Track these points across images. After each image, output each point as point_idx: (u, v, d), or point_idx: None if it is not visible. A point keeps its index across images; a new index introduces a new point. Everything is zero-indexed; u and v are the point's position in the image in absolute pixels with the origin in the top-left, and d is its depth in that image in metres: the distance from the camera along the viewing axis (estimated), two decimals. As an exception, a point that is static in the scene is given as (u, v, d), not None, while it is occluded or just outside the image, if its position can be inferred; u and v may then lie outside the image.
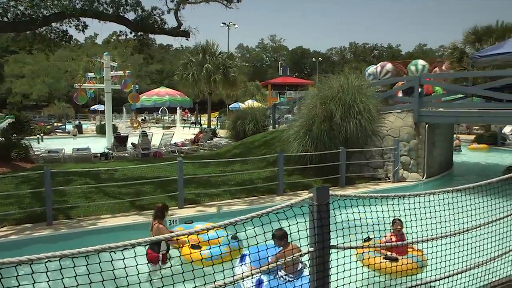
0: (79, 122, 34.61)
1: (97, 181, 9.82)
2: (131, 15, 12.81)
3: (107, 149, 16.04)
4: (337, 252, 2.95)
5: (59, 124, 33.39)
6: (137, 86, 23.79)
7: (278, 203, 6.01)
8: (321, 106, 11.44)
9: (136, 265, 2.36)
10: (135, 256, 2.33)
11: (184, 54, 32.38)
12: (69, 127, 31.24)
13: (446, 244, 5.23)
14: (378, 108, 11.86)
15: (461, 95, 14.08)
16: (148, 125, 35.01)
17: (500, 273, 3.96)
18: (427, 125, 11.85)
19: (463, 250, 3.94)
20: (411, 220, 3.57)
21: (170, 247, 5.96)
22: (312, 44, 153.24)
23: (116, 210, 8.17)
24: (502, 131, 23.45)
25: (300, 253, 3.05)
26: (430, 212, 4.18)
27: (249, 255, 4.73)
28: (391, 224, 5.58)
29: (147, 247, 5.51)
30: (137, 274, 2.40)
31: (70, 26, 12.65)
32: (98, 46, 55.11)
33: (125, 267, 2.29)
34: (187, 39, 14.11)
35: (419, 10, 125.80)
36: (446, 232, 3.90)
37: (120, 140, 16.38)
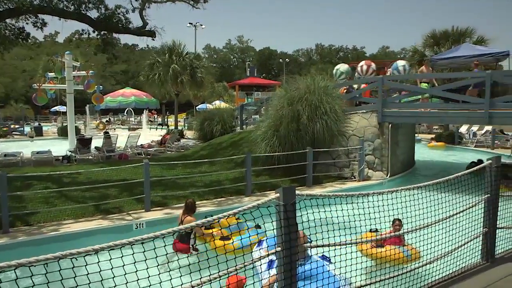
0: (39, 124, 33.17)
1: (59, 185, 9.44)
2: (94, 13, 12.45)
3: (70, 151, 15.49)
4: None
5: (17, 126, 31.87)
6: (101, 86, 23.14)
7: (246, 203, 6.00)
8: (288, 107, 11.57)
9: (111, 268, 2.29)
10: (110, 259, 2.27)
11: (150, 54, 31.84)
12: (27, 129, 29.91)
13: (408, 240, 5.42)
14: (343, 108, 12.12)
15: (421, 96, 14.62)
16: (113, 127, 34.12)
17: (457, 265, 4.14)
18: (390, 125, 12.23)
19: (422, 245, 4.10)
20: (375, 218, 3.67)
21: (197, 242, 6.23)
22: (279, 45, 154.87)
23: (80, 214, 7.90)
24: (459, 130, 24.67)
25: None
26: (393, 210, 4.32)
27: (266, 239, 4.89)
28: (391, 222, 5.75)
29: (174, 237, 5.80)
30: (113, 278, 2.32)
31: (27, 23, 12.09)
32: (59, 45, 53.16)
33: (100, 270, 2.23)
34: (153, 39, 13.86)
35: (382, 13, 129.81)
36: (407, 228, 4.04)
37: (84, 142, 15.85)
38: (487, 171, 4.46)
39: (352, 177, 12.00)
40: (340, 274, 3.63)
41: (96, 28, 12.83)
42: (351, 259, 3.34)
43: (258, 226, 5.93)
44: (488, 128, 22.39)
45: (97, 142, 16.72)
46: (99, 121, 26.06)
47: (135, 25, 13.32)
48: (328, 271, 3.77)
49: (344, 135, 12.21)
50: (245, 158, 10.07)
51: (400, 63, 15.85)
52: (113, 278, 2.26)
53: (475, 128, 24.65)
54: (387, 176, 12.17)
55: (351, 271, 3.33)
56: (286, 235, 2.84)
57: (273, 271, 4.14)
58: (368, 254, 5.66)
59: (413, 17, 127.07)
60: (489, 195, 4.40)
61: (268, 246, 4.72)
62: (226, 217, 2.63)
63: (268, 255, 3.09)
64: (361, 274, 3.51)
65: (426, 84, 13.00)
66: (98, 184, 9.29)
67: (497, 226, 4.55)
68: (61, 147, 17.19)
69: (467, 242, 4.41)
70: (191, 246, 5.95)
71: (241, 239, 5.30)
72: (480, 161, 16.26)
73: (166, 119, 39.32)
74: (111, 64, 64.16)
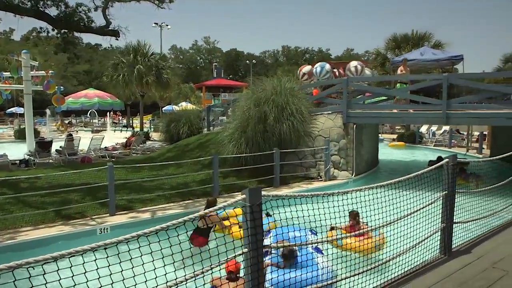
0: (-6, 126, 31.58)
1: (16, 191, 9.00)
2: (53, 11, 11.99)
3: (28, 155, 14.80)
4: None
5: (-31, 129, 30.20)
6: (62, 87, 22.24)
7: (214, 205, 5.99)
8: (255, 108, 11.61)
9: (71, 276, 2.21)
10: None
11: (114, 54, 30.95)
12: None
13: (370, 238, 5.55)
14: (309, 109, 12.31)
15: (385, 97, 15.11)
16: (75, 129, 32.99)
17: (419, 259, 4.30)
18: (355, 126, 12.53)
19: (386, 242, 4.22)
20: (340, 217, 3.74)
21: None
22: (246, 46, 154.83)
23: (39, 221, 7.56)
24: (420, 130, 25.70)
25: None
26: (358, 208, 4.43)
27: (276, 229, 6.03)
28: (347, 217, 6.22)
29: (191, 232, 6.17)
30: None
31: None
32: (15, 43, 50.59)
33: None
34: (117, 39, 13.53)
35: (347, 17, 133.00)
36: (372, 226, 4.15)
37: (44, 146, 15.21)
38: (444, 169, 4.66)
39: (319, 177, 12.20)
40: (332, 266, 3.80)
41: (56, 26, 12.36)
42: (312, 259, 3.39)
43: (268, 214, 6.16)
44: (446, 128, 23.45)
45: (58, 145, 16.10)
46: (59, 122, 25.02)
47: (98, 24, 12.95)
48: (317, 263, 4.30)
49: (310, 135, 12.39)
50: (212, 159, 10.01)
51: (353, 63, 16.32)
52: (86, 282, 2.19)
53: (434, 128, 25.75)
54: (352, 175, 12.45)
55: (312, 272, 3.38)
56: (252, 236, 2.84)
57: (267, 257, 4.76)
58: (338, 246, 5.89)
59: (376, 20, 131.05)
60: (446, 191, 4.60)
61: (276, 235, 5.53)
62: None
63: (270, 246, 3.25)
64: (323, 274, 3.58)
65: (405, 85, 13.28)
66: (59, 188, 8.95)
67: (454, 221, 4.76)
68: (18, 151, 16.39)
69: (428, 237, 4.59)
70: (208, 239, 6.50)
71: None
72: (439, 158, 17.27)
73: (131, 121, 38.44)
74: (73, 64, 62.14)
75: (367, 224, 6.11)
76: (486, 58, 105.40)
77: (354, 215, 6.41)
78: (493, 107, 11.82)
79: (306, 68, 16.31)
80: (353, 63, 15.55)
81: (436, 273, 4.04)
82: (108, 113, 35.52)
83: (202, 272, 2.77)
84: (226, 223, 7.02)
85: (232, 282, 4.42)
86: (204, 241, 6.41)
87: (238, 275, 4.50)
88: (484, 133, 20.73)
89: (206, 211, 2.96)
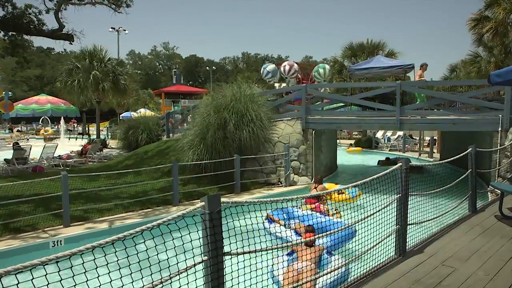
0: None
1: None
2: (-1, 12, 11.37)
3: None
4: (230, 258, 2.99)
5: None
6: (10, 93, 21.05)
7: (174, 213, 5.85)
8: (215, 114, 11.58)
9: None
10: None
11: (69, 59, 29.77)
12: None
13: (331, 241, 5.67)
14: (269, 116, 12.43)
15: (342, 104, 15.57)
16: (26, 137, 31.33)
17: (376, 261, 4.45)
18: (313, 132, 12.79)
19: (345, 245, 4.33)
20: (299, 222, 3.80)
21: None
22: (206, 53, 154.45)
23: (-16, 235, 7.10)
24: (376, 136, 26.69)
25: None
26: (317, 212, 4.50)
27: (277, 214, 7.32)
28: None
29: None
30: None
31: None
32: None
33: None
34: (71, 43, 13.04)
35: (306, 25, 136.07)
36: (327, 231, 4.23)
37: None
38: (398, 172, 4.86)
39: (279, 183, 12.32)
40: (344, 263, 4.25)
41: (3, 28, 11.71)
42: (277, 263, 3.41)
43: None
44: (400, 133, 24.51)
45: (6, 154, 15.21)
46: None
47: (50, 27, 12.42)
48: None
49: (270, 142, 12.51)
50: (171, 167, 9.86)
51: (283, 64, 16.91)
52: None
53: (389, 133, 26.83)
54: (312, 180, 12.67)
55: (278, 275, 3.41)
56: (212, 243, 2.82)
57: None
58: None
59: (333, 29, 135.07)
60: (400, 194, 4.79)
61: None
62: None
63: None
64: (287, 278, 3.62)
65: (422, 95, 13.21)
66: (7, 200, 8.44)
67: (408, 222, 4.97)
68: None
69: (384, 239, 4.76)
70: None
71: (351, 193, 8.85)
72: (387, 159, 18.47)
73: (87, 128, 37.06)
74: (22, 69, 59.07)
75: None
76: (434, 67, 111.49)
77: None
78: (442, 113, 12.50)
79: (270, 67, 16.59)
80: (284, 64, 16.27)
81: (391, 274, 4.19)
82: (61, 120, 33.90)
83: (161, 283, 2.71)
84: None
85: (309, 247, 5.39)
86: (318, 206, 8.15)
87: (313, 243, 5.50)
88: (434, 137, 21.87)
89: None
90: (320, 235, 3.97)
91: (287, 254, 5.62)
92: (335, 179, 14.60)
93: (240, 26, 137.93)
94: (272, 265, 5.00)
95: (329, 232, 3.95)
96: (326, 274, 4.22)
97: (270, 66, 17.45)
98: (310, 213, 7.39)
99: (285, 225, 7.17)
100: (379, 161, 18.74)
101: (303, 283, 3.87)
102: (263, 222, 7.16)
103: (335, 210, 8.30)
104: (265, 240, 3.53)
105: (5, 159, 14.54)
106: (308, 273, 4.76)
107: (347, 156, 22.10)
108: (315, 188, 9.65)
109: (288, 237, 6.53)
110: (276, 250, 5.32)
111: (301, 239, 5.98)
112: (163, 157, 13.42)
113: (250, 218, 3.24)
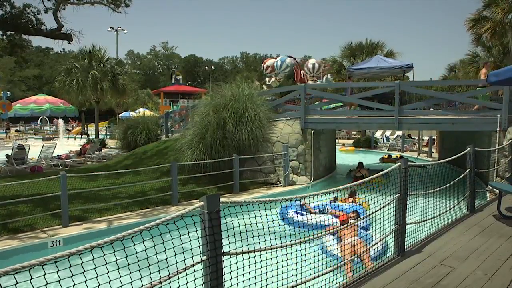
0: None
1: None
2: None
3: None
4: (229, 258, 2.99)
5: None
6: (8, 92, 21.07)
7: (172, 213, 5.85)
8: (213, 114, 11.58)
9: None
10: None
11: (67, 59, 29.75)
12: None
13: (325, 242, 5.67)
14: (268, 115, 12.43)
15: (341, 104, 15.57)
16: (24, 137, 31.27)
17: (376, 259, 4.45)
18: (312, 131, 12.80)
19: (343, 245, 4.32)
20: (298, 222, 3.80)
21: None
22: (205, 52, 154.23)
23: (-18, 235, 7.08)
24: (375, 135, 26.69)
25: None
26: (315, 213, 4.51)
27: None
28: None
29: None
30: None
31: None
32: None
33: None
34: (70, 43, 13.03)
35: (305, 24, 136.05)
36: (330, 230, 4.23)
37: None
38: (397, 172, 4.86)
39: (278, 182, 12.32)
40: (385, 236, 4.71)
41: (1, 27, 11.68)
42: (277, 262, 3.41)
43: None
44: (399, 133, 24.52)
45: (4, 153, 15.19)
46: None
47: (49, 27, 12.40)
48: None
49: (269, 141, 12.51)
50: (170, 167, 9.85)
51: (311, 61, 16.86)
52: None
53: (388, 133, 26.84)
54: (311, 180, 12.68)
55: (277, 275, 3.41)
56: (211, 243, 2.82)
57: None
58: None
59: (333, 28, 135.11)
60: (399, 194, 4.80)
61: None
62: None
63: None
64: (288, 277, 3.61)
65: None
66: (6, 200, 8.42)
67: (407, 222, 4.98)
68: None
69: (383, 239, 4.77)
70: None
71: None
72: (389, 156, 18.62)
73: (86, 128, 37.01)
74: (21, 68, 58.97)
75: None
76: (433, 67, 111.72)
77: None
78: (440, 113, 12.51)
79: (270, 61, 16.59)
80: (311, 61, 16.08)
81: (390, 273, 4.20)
82: (59, 120, 33.84)
83: (160, 283, 2.71)
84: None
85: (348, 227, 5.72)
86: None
87: (348, 222, 5.95)
88: (433, 137, 21.88)
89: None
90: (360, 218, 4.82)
91: (332, 234, 6.08)
92: (334, 179, 14.60)
93: (239, 26, 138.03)
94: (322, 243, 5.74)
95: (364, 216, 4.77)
96: (375, 245, 5.01)
97: (289, 60, 17.34)
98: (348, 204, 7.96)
99: (319, 212, 7.42)
100: (381, 158, 19.46)
101: (360, 254, 4.83)
102: (292, 217, 6.97)
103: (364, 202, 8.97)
104: (264, 240, 3.53)
105: (6, 155, 14.54)
106: (359, 245, 5.54)
107: (345, 155, 22.03)
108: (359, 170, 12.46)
109: (325, 222, 6.76)
110: (279, 249, 5.33)
111: (337, 221, 6.64)
112: (162, 157, 13.41)
113: (249, 218, 3.24)
